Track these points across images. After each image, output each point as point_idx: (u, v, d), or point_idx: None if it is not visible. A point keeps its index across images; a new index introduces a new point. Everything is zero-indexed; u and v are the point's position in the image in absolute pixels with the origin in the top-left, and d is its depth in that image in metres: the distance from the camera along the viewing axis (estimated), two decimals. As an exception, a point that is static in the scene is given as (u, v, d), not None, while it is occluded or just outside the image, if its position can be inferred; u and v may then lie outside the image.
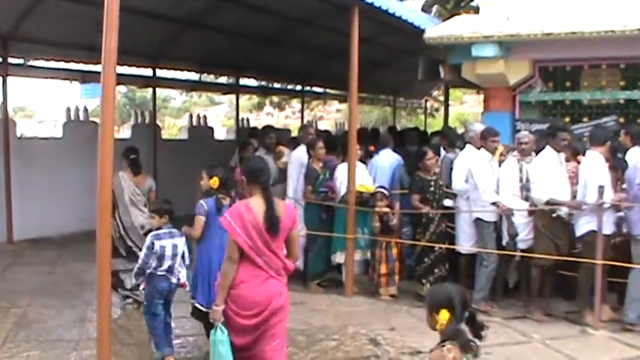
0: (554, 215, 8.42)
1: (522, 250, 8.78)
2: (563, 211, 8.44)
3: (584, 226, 8.25)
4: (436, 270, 9.27)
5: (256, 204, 5.21)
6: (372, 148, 11.38)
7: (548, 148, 8.65)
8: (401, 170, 10.73)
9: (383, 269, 9.50)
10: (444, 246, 9.29)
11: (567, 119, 10.94)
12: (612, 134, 9.26)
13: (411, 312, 8.89)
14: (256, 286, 5.13)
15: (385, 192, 9.69)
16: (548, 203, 8.41)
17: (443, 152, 10.40)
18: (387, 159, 10.92)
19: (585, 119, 10.94)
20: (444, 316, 3.72)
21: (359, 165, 9.98)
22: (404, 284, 9.79)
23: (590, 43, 10.24)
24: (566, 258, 8.40)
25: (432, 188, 9.33)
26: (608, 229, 8.19)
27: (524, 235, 8.76)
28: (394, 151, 11.24)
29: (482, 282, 8.90)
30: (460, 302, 3.78)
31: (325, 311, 8.91)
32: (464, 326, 3.83)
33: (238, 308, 5.13)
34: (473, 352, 3.73)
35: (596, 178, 8.12)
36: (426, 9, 24.42)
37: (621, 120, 10.70)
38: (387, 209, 9.55)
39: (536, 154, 8.81)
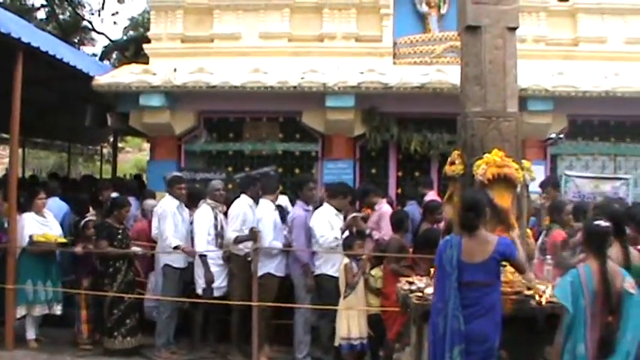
0: (249, 259, 8.70)
1: (217, 298, 8.90)
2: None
3: (261, 268, 8.61)
4: (127, 320, 8.95)
5: None
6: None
7: (243, 195, 9.04)
8: (70, 217, 10.43)
9: (83, 315, 9.16)
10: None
11: (230, 169, 11.48)
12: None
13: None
14: None
15: None
16: (236, 241, 8.74)
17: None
18: (56, 207, 10.54)
19: (247, 169, 11.50)
20: None
21: (33, 215, 9.49)
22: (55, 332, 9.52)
23: (252, 97, 10.88)
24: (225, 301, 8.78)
25: (119, 236, 9.10)
26: (280, 271, 8.82)
27: (219, 283, 8.93)
28: (62, 199, 10.90)
29: (161, 328, 8.95)
30: None
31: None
32: None
33: None
34: None
35: (268, 223, 8.72)
36: (105, 55, 24.24)
37: (280, 170, 11.43)
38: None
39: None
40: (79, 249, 9.17)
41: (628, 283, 5.13)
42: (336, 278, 8.55)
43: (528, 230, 6.87)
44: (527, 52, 10.78)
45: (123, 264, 9.04)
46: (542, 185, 9.20)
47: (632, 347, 5.03)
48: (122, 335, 8.93)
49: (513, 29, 6.64)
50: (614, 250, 5.59)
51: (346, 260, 8.43)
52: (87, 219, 9.60)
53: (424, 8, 11.90)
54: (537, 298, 5.95)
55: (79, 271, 9.36)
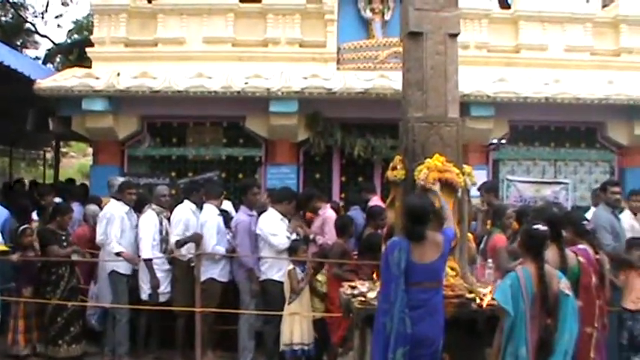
0: (192, 264, 8.65)
1: (162, 304, 8.81)
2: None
3: (204, 273, 8.56)
4: (72, 328, 8.80)
5: None
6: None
7: (186, 201, 9.01)
8: (10, 223, 10.19)
9: (21, 325, 8.90)
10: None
11: (173, 174, 11.42)
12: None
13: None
14: None
15: None
16: (177, 244, 8.71)
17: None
18: (-3, 213, 10.32)
19: (190, 174, 11.44)
20: None
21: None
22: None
23: (196, 102, 10.84)
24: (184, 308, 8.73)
25: (64, 243, 8.95)
26: (223, 276, 8.75)
27: (164, 289, 8.86)
28: (2, 205, 10.66)
29: (120, 336, 8.81)
30: None
31: None
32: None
33: None
34: None
35: (211, 228, 8.64)
36: (49, 59, 23.85)
37: (223, 175, 11.42)
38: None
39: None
40: (15, 257, 8.95)
41: (564, 284, 5.26)
42: (282, 283, 8.53)
43: (469, 234, 6.94)
44: (470, 59, 10.98)
45: (66, 270, 8.87)
46: (478, 189, 9.29)
47: (569, 346, 5.17)
48: (67, 343, 8.78)
49: (454, 36, 6.70)
50: (551, 253, 5.72)
51: (290, 266, 8.43)
52: (24, 226, 9.38)
53: (368, 14, 11.99)
54: (478, 301, 6.01)
55: (20, 280, 9.09)
